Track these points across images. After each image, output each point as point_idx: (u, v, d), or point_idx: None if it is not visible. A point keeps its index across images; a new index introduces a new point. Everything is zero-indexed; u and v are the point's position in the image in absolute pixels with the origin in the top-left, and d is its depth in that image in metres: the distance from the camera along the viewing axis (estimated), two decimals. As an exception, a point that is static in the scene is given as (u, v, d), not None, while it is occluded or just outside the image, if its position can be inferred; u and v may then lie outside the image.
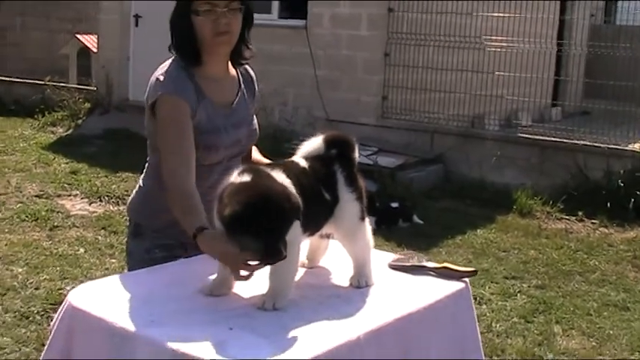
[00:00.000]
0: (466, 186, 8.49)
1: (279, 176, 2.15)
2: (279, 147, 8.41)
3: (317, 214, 2.25)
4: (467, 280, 2.51)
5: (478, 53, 9.41)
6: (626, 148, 8.17)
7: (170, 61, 2.64)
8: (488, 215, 7.56)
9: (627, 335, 4.96)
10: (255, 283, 2.25)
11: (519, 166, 8.58)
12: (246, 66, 2.83)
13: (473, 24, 9.38)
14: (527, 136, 8.78)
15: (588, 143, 8.28)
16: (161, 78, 2.56)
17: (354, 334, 2.01)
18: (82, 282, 5.03)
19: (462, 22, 9.37)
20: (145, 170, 2.79)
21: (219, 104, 2.65)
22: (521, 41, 9.41)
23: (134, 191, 2.83)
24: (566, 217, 7.71)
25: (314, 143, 2.41)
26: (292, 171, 2.22)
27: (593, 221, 7.62)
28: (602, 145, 8.12)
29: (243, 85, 2.78)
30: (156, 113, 2.55)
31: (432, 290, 2.39)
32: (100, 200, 7.24)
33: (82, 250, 5.83)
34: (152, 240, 2.71)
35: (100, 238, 6.14)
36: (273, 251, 2.02)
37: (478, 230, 7.09)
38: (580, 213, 7.71)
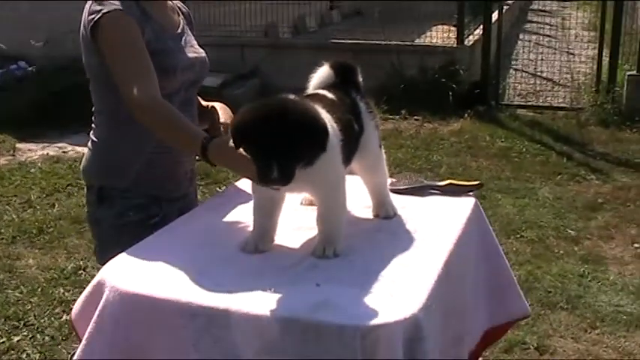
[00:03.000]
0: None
1: (319, 109, 1.95)
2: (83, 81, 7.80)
3: (351, 147, 2.09)
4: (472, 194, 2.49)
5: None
6: (440, 44, 8.49)
7: None
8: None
9: (497, 222, 5.25)
10: (297, 231, 2.08)
11: (335, 71, 8.62)
12: (178, 1, 2.60)
13: None
14: (339, 41, 8.83)
15: (401, 43, 8.50)
16: None
17: (434, 268, 1.91)
18: None
19: None
20: (94, 122, 2.45)
21: (165, 26, 2.40)
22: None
23: (87, 151, 2.48)
24: (391, 117, 7.93)
25: (323, 73, 2.23)
26: (327, 104, 2.02)
27: (416, 118, 7.92)
28: (415, 43, 8.38)
29: (181, 16, 2.55)
30: (99, 41, 2.25)
31: (455, 210, 2.33)
32: None
33: None
34: (122, 202, 2.40)
35: None
36: (283, 174, 1.78)
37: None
38: (403, 112, 7.96)
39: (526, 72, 9.91)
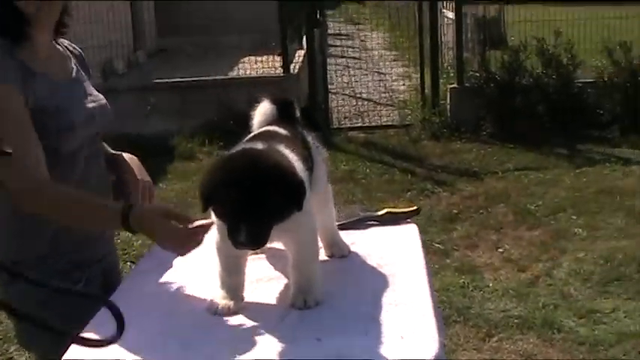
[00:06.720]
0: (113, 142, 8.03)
1: (285, 151, 1.81)
2: None
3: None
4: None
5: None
6: (268, 75, 8.46)
7: None
8: (159, 166, 7.27)
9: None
10: (258, 283, 1.92)
11: (162, 113, 8.36)
12: (68, 42, 2.33)
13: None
14: (162, 80, 8.58)
15: (226, 77, 8.40)
16: None
17: (425, 302, 1.81)
18: None
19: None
20: None
21: (55, 77, 2.14)
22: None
23: None
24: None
25: (264, 109, 2.09)
26: (286, 142, 1.87)
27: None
28: (242, 76, 8.30)
29: (73, 60, 2.29)
30: None
31: (406, 239, 2.28)
32: None
33: None
34: (42, 270, 2.08)
35: None
36: (254, 238, 1.67)
37: (160, 184, 6.82)
38: (239, 145, 7.83)
39: (345, 95, 10.11)
